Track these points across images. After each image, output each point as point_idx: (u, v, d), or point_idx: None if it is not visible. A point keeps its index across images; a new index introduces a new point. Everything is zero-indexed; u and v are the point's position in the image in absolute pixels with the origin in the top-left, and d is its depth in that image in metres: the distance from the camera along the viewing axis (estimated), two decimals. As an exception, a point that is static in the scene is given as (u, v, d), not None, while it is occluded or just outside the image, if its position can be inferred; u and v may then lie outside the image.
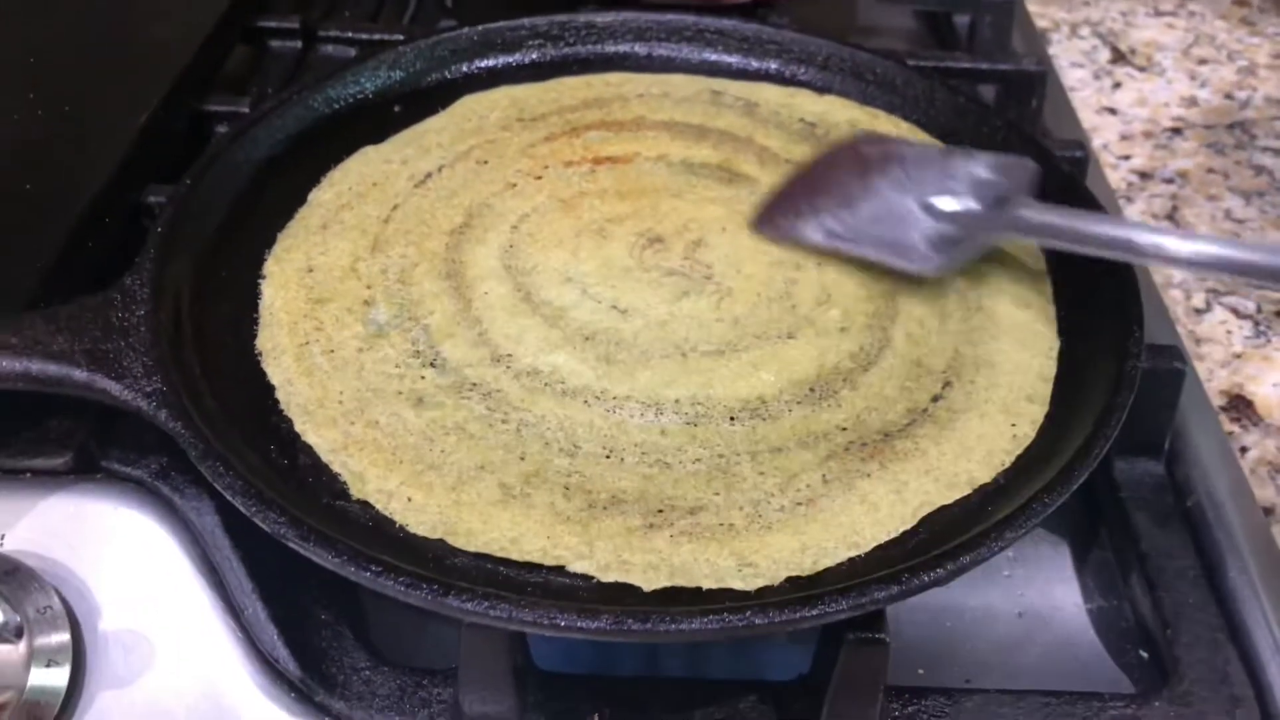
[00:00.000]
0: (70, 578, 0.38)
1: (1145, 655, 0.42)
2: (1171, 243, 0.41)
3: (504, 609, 0.32)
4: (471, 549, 0.36)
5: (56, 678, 0.35)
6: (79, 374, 0.38)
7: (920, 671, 0.41)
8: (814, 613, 0.33)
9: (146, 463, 0.40)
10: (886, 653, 0.35)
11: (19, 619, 0.35)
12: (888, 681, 0.36)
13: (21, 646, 0.35)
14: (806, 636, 0.38)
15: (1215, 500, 0.45)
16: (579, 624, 0.32)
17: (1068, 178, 0.51)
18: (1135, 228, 0.42)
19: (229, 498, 0.35)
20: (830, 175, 0.49)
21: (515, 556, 0.36)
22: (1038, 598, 0.45)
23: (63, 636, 0.36)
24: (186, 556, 0.38)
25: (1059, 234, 0.43)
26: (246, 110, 0.55)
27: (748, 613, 0.32)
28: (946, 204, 0.46)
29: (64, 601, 0.37)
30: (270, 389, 0.41)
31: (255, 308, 0.44)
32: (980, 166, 0.47)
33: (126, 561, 0.38)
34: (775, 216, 0.48)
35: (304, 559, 0.35)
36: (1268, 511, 0.47)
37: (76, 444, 0.40)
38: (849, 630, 0.34)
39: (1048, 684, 0.41)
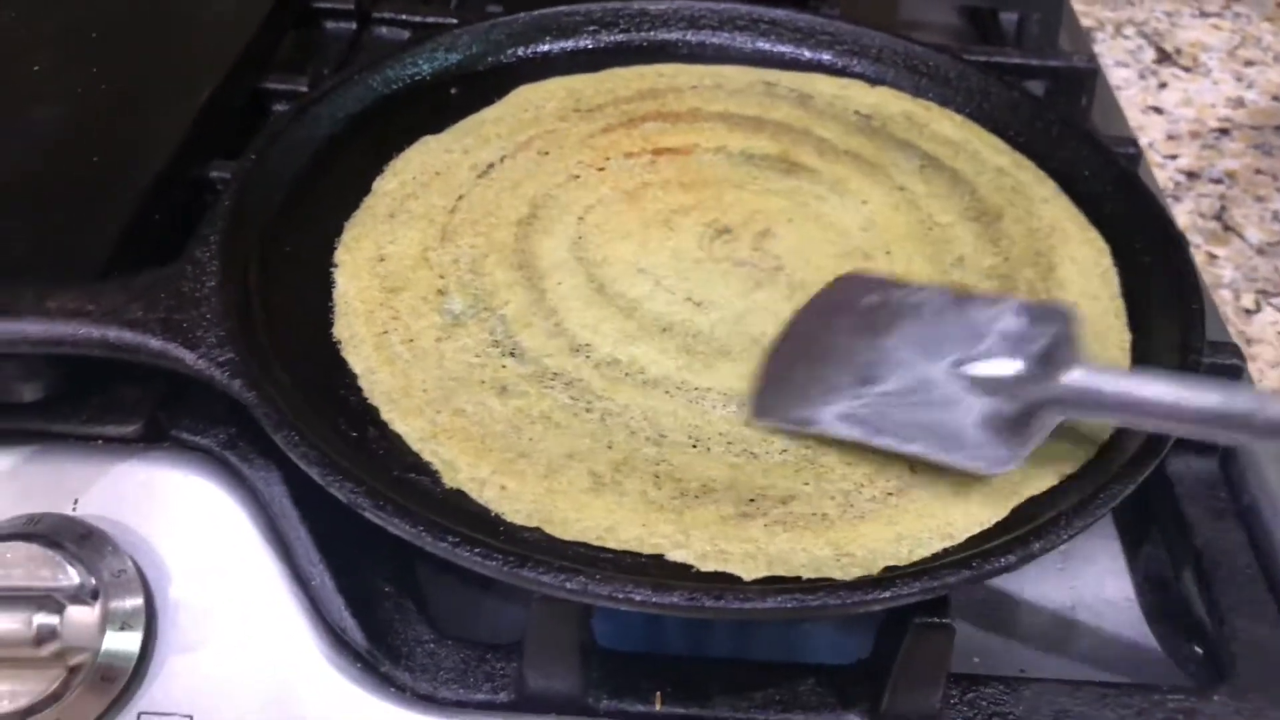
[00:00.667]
0: (141, 544, 0.38)
1: (1199, 651, 0.42)
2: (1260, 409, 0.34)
3: (579, 582, 0.32)
4: (569, 537, 0.36)
5: (130, 642, 0.36)
6: (154, 342, 0.38)
7: (975, 660, 0.41)
8: (886, 594, 0.33)
9: (215, 432, 0.41)
10: (951, 637, 0.35)
11: (94, 582, 0.35)
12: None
13: (97, 609, 0.35)
14: (867, 621, 0.38)
15: (1271, 498, 0.45)
16: (654, 599, 0.32)
17: (1125, 174, 0.51)
18: (1233, 392, 0.35)
19: (304, 467, 0.35)
20: (831, 338, 0.41)
21: (612, 545, 0.36)
22: (1090, 591, 0.45)
23: (136, 600, 0.36)
24: (254, 526, 0.39)
25: (1136, 409, 0.35)
26: (304, 89, 0.56)
27: (820, 593, 0.33)
28: (988, 370, 0.37)
29: (137, 567, 0.37)
30: (340, 368, 0.41)
31: (325, 290, 0.44)
32: (1006, 314, 0.39)
33: (195, 529, 0.39)
34: (778, 399, 0.40)
35: (372, 530, 0.35)
36: (1322, 511, 0.47)
37: (146, 412, 0.40)
38: (915, 615, 0.35)
39: (1101, 676, 0.41)
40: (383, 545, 0.38)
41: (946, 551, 0.36)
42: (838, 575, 0.35)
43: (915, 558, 0.36)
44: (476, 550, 0.33)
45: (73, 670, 0.34)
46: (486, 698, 0.37)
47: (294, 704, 0.37)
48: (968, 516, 0.37)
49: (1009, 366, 0.37)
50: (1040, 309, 0.40)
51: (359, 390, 0.40)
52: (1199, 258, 0.61)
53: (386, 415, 0.39)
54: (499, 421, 0.39)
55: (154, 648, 0.37)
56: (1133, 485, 0.36)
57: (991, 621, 0.43)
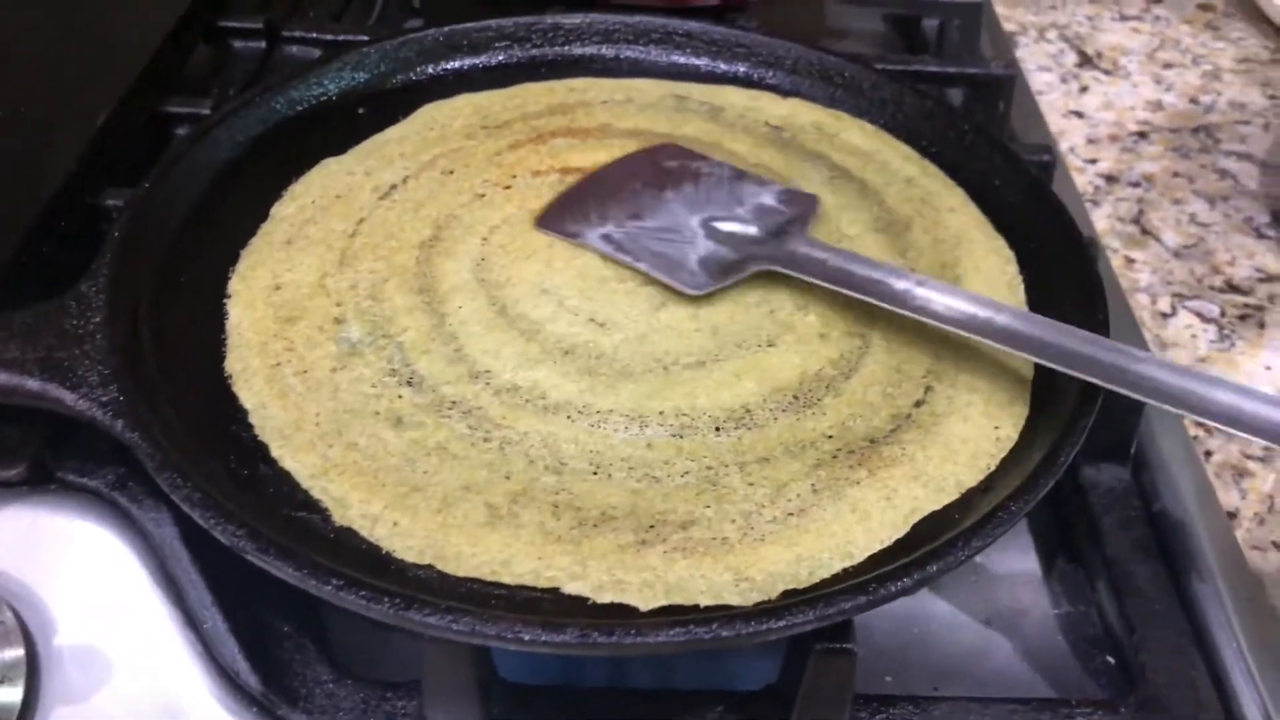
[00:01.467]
0: (24, 591, 0.37)
1: (1113, 661, 0.42)
2: (929, 297, 0.42)
3: (467, 623, 0.32)
4: (461, 573, 0.35)
5: (10, 694, 0.35)
6: (31, 383, 0.37)
7: (888, 679, 0.41)
8: (780, 624, 0.32)
9: (103, 473, 0.39)
10: (854, 663, 0.35)
11: (-31, 635, 0.34)
12: (855, 690, 0.36)
13: (-28, 664, 0.34)
14: (774, 647, 0.38)
15: (1180, 505, 0.45)
16: (544, 638, 0.31)
17: (1035, 182, 0.51)
18: (895, 274, 0.43)
19: (187, 509, 0.34)
20: (626, 183, 0.50)
21: (507, 580, 0.35)
22: (1006, 603, 0.45)
23: (16, 652, 0.35)
24: (144, 568, 0.38)
25: (826, 274, 0.44)
26: (208, 111, 0.55)
27: (714, 624, 0.32)
28: (725, 226, 0.47)
29: (17, 616, 0.36)
30: (232, 404, 0.40)
31: (218, 322, 0.43)
32: (769, 194, 0.49)
33: (82, 574, 0.38)
34: (564, 216, 0.48)
35: (264, 571, 0.34)
36: (1231, 515, 0.48)
37: (30, 454, 0.39)
38: (816, 640, 0.34)
39: (1016, 690, 0.41)
40: (282, 584, 0.37)
41: (846, 572, 0.36)
42: (736, 601, 0.35)
43: (815, 579, 0.35)
44: (362, 593, 0.32)
45: (-54, 728, 0.33)
46: (386, 738, 0.36)
47: (186, 753, 0.36)
48: (868, 535, 0.37)
49: (745, 228, 0.47)
50: (794, 195, 0.49)
51: (250, 426, 0.39)
52: (1116, 262, 0.62)
53: (277, 452, 0.38)
54: (393, 455, 0.38)
55: (37, 700, 0.35)
56: (1031, 504, 0.36)
57: (905, 638, 0.43)
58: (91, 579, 0.38)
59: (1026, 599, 0.45)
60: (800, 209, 0.48)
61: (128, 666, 0.37)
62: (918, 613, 0.44)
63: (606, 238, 0.47)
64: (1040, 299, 0.47)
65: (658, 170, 0.50)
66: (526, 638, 0.31)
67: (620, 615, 0.34)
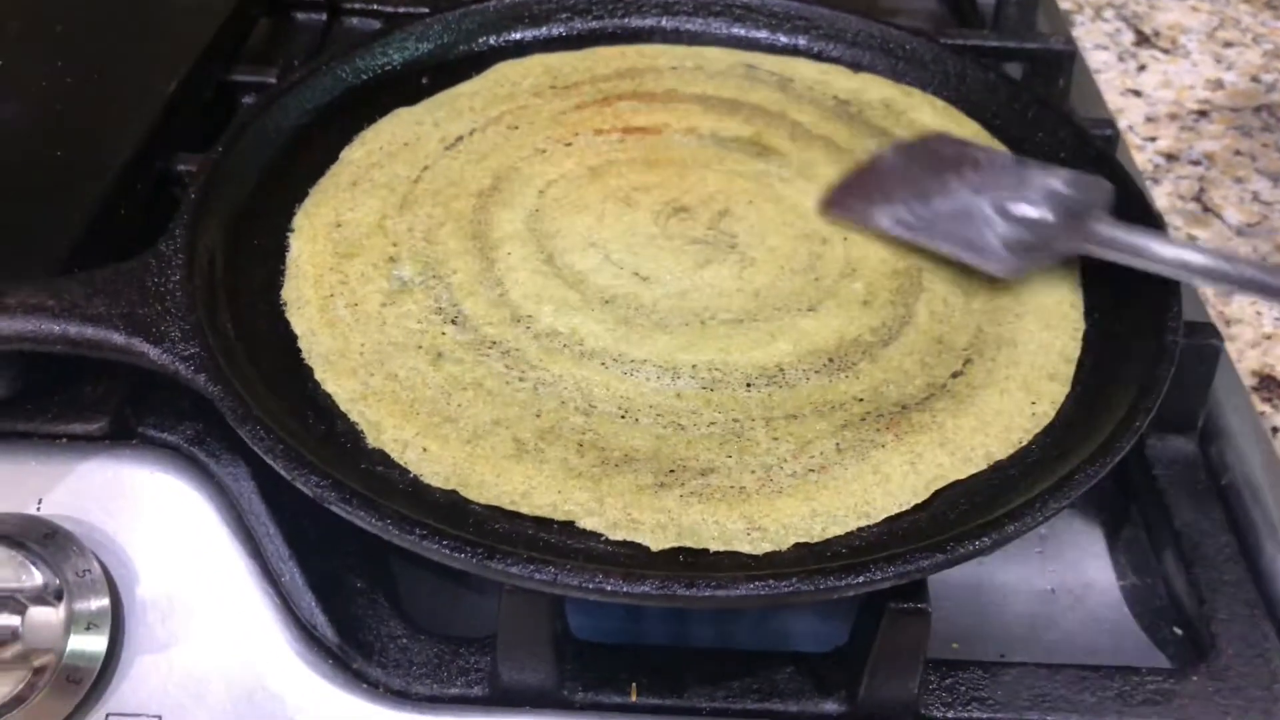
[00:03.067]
0: (108, 543, 0.37)
1: (1179, 632, 0.42)
2: (1232, 267, 0.42)
3: (549, 572, 0.32)
4: (483, 501, 0.36)
5: (95, 643, 0.35)
6: (117, 337, 0.38)
7: (955, 646, 0.41)
8: (859, 580, 0.32)
9: (182, 428, 0.40)
10: (928, 623, 0.35)
11: (59, 582, 0.35)
12: (926, 654, 0.36)
13: (61, 610, 0.35)
14: (843, 607, 0.38)
15: (1250, 479, 0.44)
16: (624, 588, 0.32)
17: (1101, 154, 0.50)
18: (1201, 251, 0.43)
19: (269, 460, 0.35)
20: (903, 168, 0.49)
21: (526, 510, 0.36)
22: (1070, 574, 0.45)
23: (102, 601, 0.36)
24: (223, 523, 0.38)
25: (1133, 251, 0.43)
26: (273, 81, 0.55)
27: (794, 579, 0.32)
28: (1023, 210, 0.46)
29: (103, 566, 0.36)
30: (298, 344, 0.41)
31: (285, 264, 0.44)
32: (1056, 180, 0.47)
33: (163, 527, 0.38)
34: (847, 199, 0.48)
35: (342, 524, 0.35)
36: (1301, 490, 0.47)
37: (112, 409, 0.40)
38: (890, 600, 0.34)
39: (1081, 659, 0.41)
40: (355, 539, 0.38)
41: (862, 530, 0.36)
42: (747, 549, 0.35)
43: (828, 535, 0.36)
44: (444, 542, 0.33)
45: (37, 671, 0.34)
46: (460, 692, 0.37)
47: (265, 702, 0.36)
48: (887, 497, 0.37)
49: (1039, 212, 0.46)
50: (1084, 180, 0.47)
51: (320, 381, 0.40)
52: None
53: (320, 376, 0.39)
54: (430, 387, 0.39)
55: (121, 648, 0.36)
56: (1108, 466, 0.36)
57: (972, 607, 0.43)
58: (173, 532, 0.38)
59: (1091, 571, 0.45)
60: (1093, 195, 0.46)
61: (207, 618, 0.37)
62: (984, 583, 0.44)
63: (899, 220, 0.46)
64: (1108, 272, 0.46)
65: (936, 156, 0.49)
66: (609, 588, 0.32)
67: (691, 569, 0.34)
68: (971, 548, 0.33)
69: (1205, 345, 0.44)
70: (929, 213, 0.46)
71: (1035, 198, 0.46)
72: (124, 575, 0.37)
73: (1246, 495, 0.44)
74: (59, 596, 0.35)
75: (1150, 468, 0.45)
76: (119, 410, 0.40)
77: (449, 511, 0.36)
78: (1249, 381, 0.52)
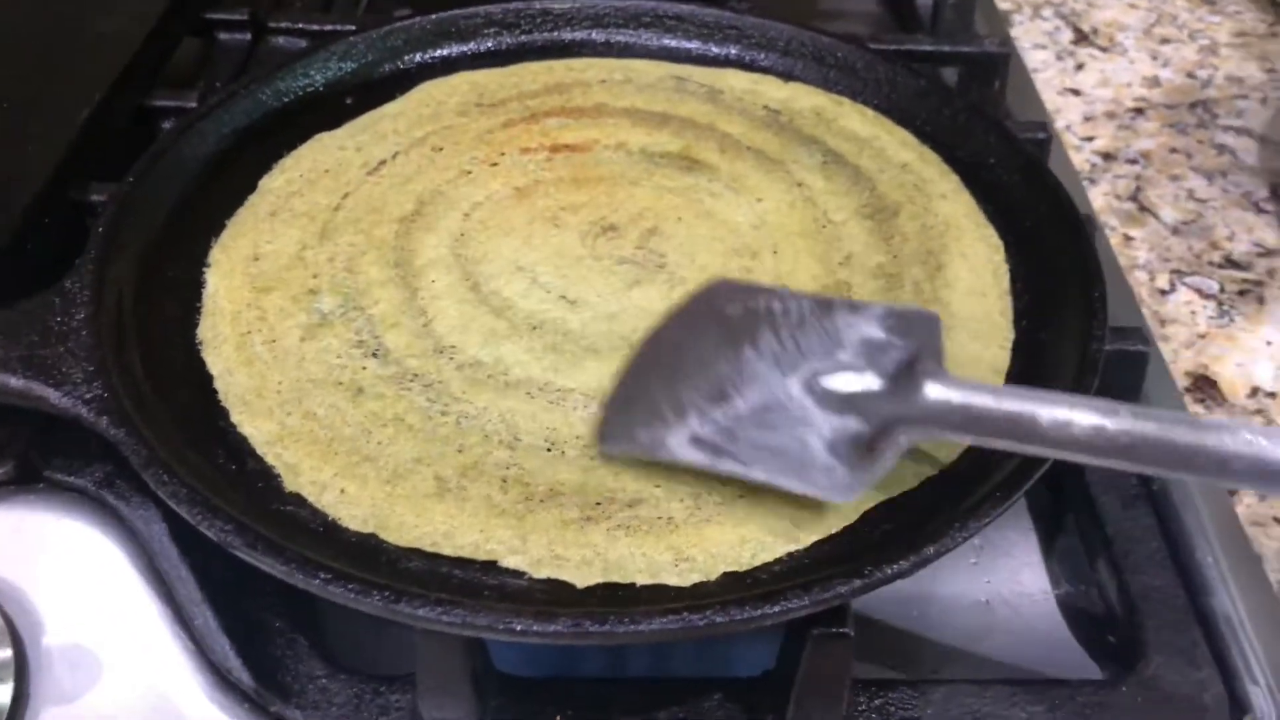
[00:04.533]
0: (11, 591, 0.36)
1: (1113, 640, 0.42)
2: (1144, 432, 0.32)
3: (458, 614, 0.31)
4: (403, 544, 0.35)
5: (-1, 695, 0.34)
6: (14, 381, 0.37)
7: (888, 662, 0.41)
8: (775, 609, 0.32)
9: (90, 471, 0.39)
10: (850, 647, 0.34)
11: (-43, 636, 0.34)
12: (854, 675, 0.36)
13: (-39, 664, 0.34)
14: (771, 632, 0.38)
15: (1180, 483, 0.44)
16: (535, 628, 0.31)
17: (1030, 160, 0.50)
18: (1097, 407, 0.33)
19: (173, 505, 0.34)
20: (691, 348, 0.39)
21: (448, 551, 0.35)
22: (1005, 585, 0.44)
23: (4, 652, 0.35)
24: (134, 567, 0.37)
25: (995, 429, 0.33)
26: (193, 105, 0.54)
27: (708, 611, 0.32)
28: (842, 383, 0.36)
29: (5, 616, 0.35)
30: (213, 384, 0.40)
31: (201, 300, 0.43)
32: (872, 324, 0.37)
33: (71, 573, 0.37)
34: (630, 422, 0.37)
35: (254, 567, 0.34)
36: (1232, 493, 0.47)
37: (16, 453, 0.39)
38: (812, 626, 0.34)
39: (1016, 672, 0.41)
40: (272, 580, 0.37)
41: (791, 556, 0.36)
42: (674, 581, 0.35)
43: (757, 562, 0.35)
44: (350, 586, 0.32)
45: (-65, 730, 0.33)
46: (381, 732, 0.36)
47: (179, 750, 0.35)
48: (816, 520, 0.37)
49: (863, 382, 0.36)
50: (904, 316, 0.38)
51: (235, 424, 0.39)
52: (1114, 240, 0.61)
53: (236, 417, 0.39)
54: (349, 425, 0.39)
55: (26, 700, 0.35)
56: (1029, 482, 0.36)
57: (904, 621, 0.43)
58: (80, 578, 0.37)
59: (1026, 580, 0.45)
60: (919, 336, 0.37)
61: (118, 665, 0.36)
62: (916, 596, 0.43)
63: (697, 441, 0.36)
64: (1037, 278, 0.46)
65: (720, 321, 0.39)
66: (518, 628, 0.31)
67: (614, 604, 0.34)
68: (890, 571, 0.33)
69: (1132, 351, 0.44)
70: (731, 418, 0.36)
71: (852, 360, 0.36)
72: (28, 625, 0.36)
73: (1177, 500, 0.44)
74: (-43, 651, 0.34)
75: (1083, 474, 0.45)
76: (24, 453, 0.39)
77: (362, 553, 0.35)
78: (1183, 383, 0.53)
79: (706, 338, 0.39)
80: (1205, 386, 0.53)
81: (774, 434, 0.36)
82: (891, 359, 0.36)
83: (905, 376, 0.36)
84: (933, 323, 0.37)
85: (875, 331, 0.37)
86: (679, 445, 0.36)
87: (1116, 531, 0.43)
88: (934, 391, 0.34)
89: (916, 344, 0.36)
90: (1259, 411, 0.52)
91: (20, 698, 0.35)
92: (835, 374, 0.36)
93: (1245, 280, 0.59)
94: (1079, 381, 0.40)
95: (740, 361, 0.37)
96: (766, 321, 0.38)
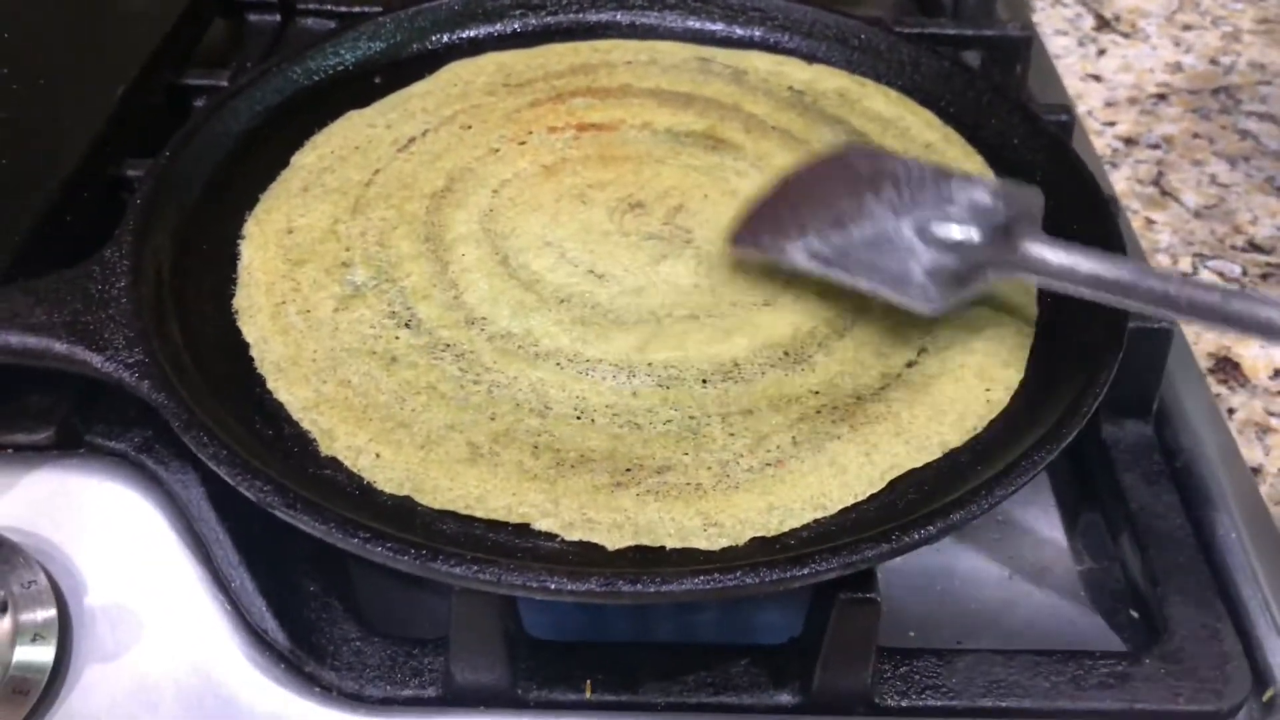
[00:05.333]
0: (55, 553, 0.37)
1: (1136, 615, 0.42)
2: (1197, 294, 0.37)
3: (493, 572, 0.32)
4: (437, 506, 0.36)
5: (42, 653, 0.35)
6: (59, 346, 0.37)
7: (911, 634, 0.41)
8: (804, 572, 0.32)
9: (130, 436, 0.40)
10: (878, 612, 0.35)
11: (3, 594, 0.35)
12: (879, 643, 0.36)
13: (6, 622, 0.34)
14: (798, 598, 0.38)
15: (1204, 460, 0.45)
16: (569, 586, 0.32)
17: (1054, 140, 0.51)
18: (1164, 279, 0.38)
19: (214, 467, 0.35)
20: (818, 189, 0.45)
21: (480, 514, 0.36)
22: (1028, 560, 0.45)
23: (48, 612, 0.35)
24: (173, 529, 0.38)
25: (1075, 278, 0.39)
26: (225, 83, 0.55)
27: (738, 572, 0.32)
28: (948, 231, 0.41)
29: (49, 577, 0.36)
30: (248, 352, 0.41)
31: (236, 271, 0.44)
32: (983, 192, 0.43)
33: (112, 536, 0.38)
34: (756, 232, 0.44)
35: (291, 529, 0.34)
36: (1255, 471, 0.48)
37: (59, 418, 0.39)
38: (840, 590, 0.34)
39: (1038, 645, 0.41)
40: (307, 544, 0.37)
41: (818, 523, 0.36)
42: (703, 545, 0.35)
43: (785, 528, 0.36)
44: (388, 545, 0.32)
45: (-18, 684, 0.34)
46: (414, 693, 0.37)
47: (217, 708, 0.36)
48: (843, 488, 0.37)
49: (966, 233, 0.41)
50: (1010, 191, 0.43)
51: (272, 390, 0.39)
52: (1136, 224, 0.61)
53: (272, 384, 0.39)
54: (384, 392, 0.39)
55: (69, 658, 0.36)
56: (1054, 453, 0.36)
57: (930, 594, 0.43)
58: (121, 540, 0.38)
59: (1049, 555, 0.45)
60: (1021, 206, 0.42)
61: (157, 625, 0.37)
62: (941, 569, 0.44)
63: (812, 253, 0.42)
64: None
65: (850, 173, 0.45)
66: (552, 586, 0.32)
67: (645, 565, 0.34)
68: (917, 536, 0.33)
69: (1157, 329, 0.45)
70: (845, 242, 0.42)
71: (960, 215, 0.42)
72: (72, 585, 0.37)
73: (1200, 477, 0.44)
74: (3, 609, 0.34)
75: (1106, 451, 0.46)
76: (66, 419, 0.40)
77: (398, 515, 0.36)
78: (1205, 364, 0.53)
79: (833, 182, 0.45)
80: (1228, 368, 0.53)
81: (880, 258, 0.41)
82: (994, 220, 0.42)
83: (1004, 234, 0.41)
84: (1036, 195, 0.43)
85: (984, 197, 0.42)
86: (796, 253, 0.42)
87: (1139, 508, 0.43)
88: (1029, 247, 0.40)
89: (1018, 209, 0.42)
90: (1281, 393, 0.52)
91: (64, 655, 0.36)
92: (943, 224, 0.42)
93: (1268, 264, 0.59)
94: (1103, 357, 0.40)
95: (861, 202, 0.43)
96: (890, 178, 0.43)
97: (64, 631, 0.36)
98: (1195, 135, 0.68)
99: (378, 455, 0.37)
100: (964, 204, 0.42)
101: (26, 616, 0.35)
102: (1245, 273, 0.58)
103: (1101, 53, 0.75)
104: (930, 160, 0.47)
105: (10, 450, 0.39)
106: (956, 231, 0.41)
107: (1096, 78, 0.73)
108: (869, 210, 0.42)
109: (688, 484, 0.37)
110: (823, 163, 0.47)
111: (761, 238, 0.44)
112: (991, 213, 0.42)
